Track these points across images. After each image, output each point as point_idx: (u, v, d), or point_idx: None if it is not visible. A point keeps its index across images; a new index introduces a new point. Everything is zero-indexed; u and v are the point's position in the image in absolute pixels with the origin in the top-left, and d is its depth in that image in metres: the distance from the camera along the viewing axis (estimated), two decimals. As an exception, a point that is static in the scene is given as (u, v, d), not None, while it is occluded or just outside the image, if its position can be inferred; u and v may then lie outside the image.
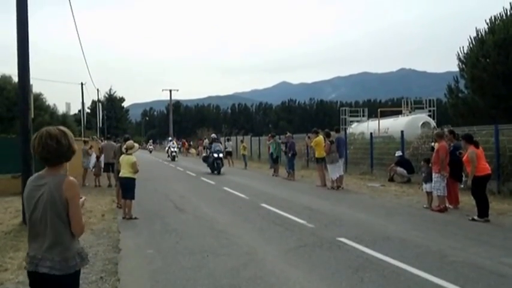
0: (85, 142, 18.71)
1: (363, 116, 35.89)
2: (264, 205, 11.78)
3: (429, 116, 28.24)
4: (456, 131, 14.53)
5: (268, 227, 9.03)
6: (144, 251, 7.24)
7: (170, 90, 71.55)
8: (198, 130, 64.62)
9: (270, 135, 26.61)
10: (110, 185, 16.77)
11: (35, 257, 2.88)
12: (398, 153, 17.45)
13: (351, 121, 34.73)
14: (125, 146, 10.66)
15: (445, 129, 15.49)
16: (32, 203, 2.90)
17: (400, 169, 16.81)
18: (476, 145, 9.75)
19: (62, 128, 3.01)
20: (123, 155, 10.52)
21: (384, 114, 31.67)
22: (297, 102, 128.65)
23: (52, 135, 2.89)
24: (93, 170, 18.09)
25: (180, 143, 57.35)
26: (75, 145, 3.03)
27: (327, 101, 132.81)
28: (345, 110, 37.30)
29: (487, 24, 25.76)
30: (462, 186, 11.38)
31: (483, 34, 25.67)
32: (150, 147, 69.14)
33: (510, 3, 24.91)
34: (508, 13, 24.80)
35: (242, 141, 31.82)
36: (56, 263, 2.84)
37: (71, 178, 2.95)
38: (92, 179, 17.93)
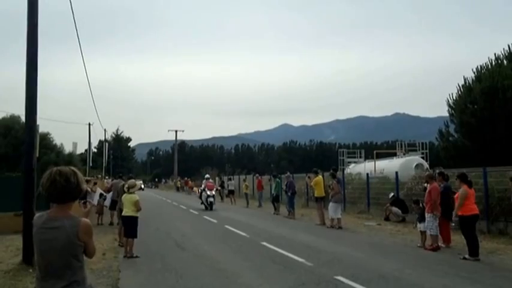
0: (88, 181, 18.63)
1: (360, 157, 35.82)
2: (264, 243, 11.59)
3: (422, 157, 28.19)
4: (447, 172, 14.52)
5: (267, 266, 8.87)
6: (144, 290, 7.07)
7: (176, 131, 72.08)
8: (202, 169, 64.50)
9: (256, 175, 30.09)
10: (111, 223, 16.55)
11: None
12: (391, 194, 17.38)
13: (349, 162, 34.63)
14: (126, 185, 10.58)
15: (437, 171, 15.48)
16: (45, 245, 2.86)
17: (395, 209, 16.66)
18: (470, 185, 9.72)
19: (73, 168, 3.01)
20: (125, 194, 10.41)
21: (380, 156, 31.66)
22: (298, 143, 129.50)
23: (62, 173, 2.88)
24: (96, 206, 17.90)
25: (183, 181, 57.18)
26: (84, 185, 3.01)
27: (326, 143, 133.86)
28: (343, 151, 37.29)
29: (474, 73, 26.26)
30: (453, 224, 11.26)
31: (470, 82, 26.12)
32: (208, 193, 25.27)
33: (495, 54, 25.49)
34: (493, 63, 25.32)
35: (244, 180, 31.68)
36: None
37: (86, 220, 2.95)
38: (95, 217, 17.72)
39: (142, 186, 67.98)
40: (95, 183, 19.06)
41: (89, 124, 43.33)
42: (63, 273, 2.84)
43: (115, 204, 16.45)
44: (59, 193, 2.86)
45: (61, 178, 2.86)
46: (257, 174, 32.49)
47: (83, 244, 2.88)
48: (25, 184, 9.22)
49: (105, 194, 18.12)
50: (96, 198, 18.22)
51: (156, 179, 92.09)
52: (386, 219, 16.77)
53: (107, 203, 17.86)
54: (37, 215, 3.02)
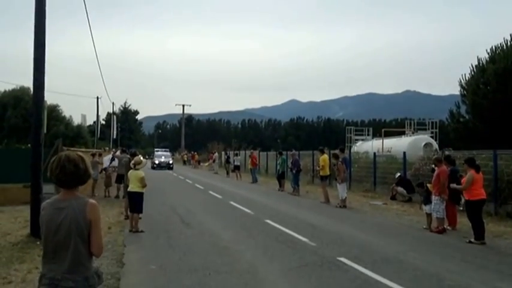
0: (93, 155, 18.79)
1: (368, 135, 35.67)
2: (268, 221, 11.62)
3: (431, 137, 27.99)
4: (456, 154, 14.41)
5: (271, 245, 8.90)
6: (147, 267, 7.13)
7: (183, 105, 71.96)
8: (209, 144, 64.58)
9: (251, 151, 30.22)
10: (117, 196, 16.68)
11: (54, 278, 2.85)
12: (398, 174, 17.32)
13: (356, 140, 34.54)
14: (133, 162, 10.61)
15: (446, 152, 15.33)
16: (53, 226, 2.89)
17: (400, 189, 16.59)
18: (477, 170, 9.62)
19: (79, 153, 3.08)
20: (131, 170, 10.47)
21: (388, 134, 31.46)
22: (305, 119, 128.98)
23: (71, 159, 2.93)
24: (108, 171, 18.02)
25: (190, 155, 57.30)
26: (91, 170, 3.07)
27: (334, 120, 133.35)
28: (351, 128, 37.17)
29: (488, 53, 25.70)
30: (461, 208, 11.21)
31: (484, 63, 25.60)
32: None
33: (510, 35, 24.83)
34: (508, 43, 24.73)
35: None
36: (79, 283, 2.85)
37: (93, 201, 3.01)
38: (102, 189, 17.89)
39: (170, 161, 44.63)
40: (100, 155, 19.20)
41: (97, 98, 43.45)
42: (69, 255, 2.86)
43: (121, 178, 16.57)
44: (68, 179, 2.91)
45: (70, 164, 2.91)
46: (252, 150, 32.15)
47: (89, 224, 2.90)
48: (33, 159, 9.35)
49: (113, 157, 18.42)
50: (106, 164, 18.53)
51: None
52: (393, 198, 16.74)
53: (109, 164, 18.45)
54: (45, 201, 3.06)
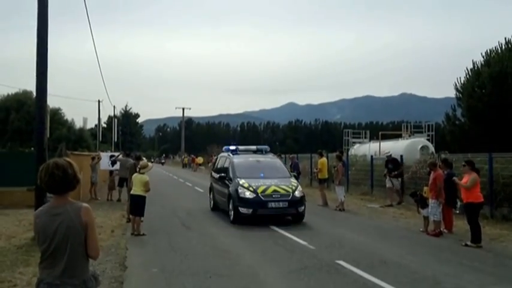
0: (93, 159, 18.75)
1: (365, 137, 35.71)
2: (267, 224, 11.62)
3: (428, 140, 28.04)
4: (452, 157, 14.42)
5: (270, 248, 8.92)
6: (150, 270, 7.16)
7: (183, 108, 71.87)
8: (208, 147, 64.51)
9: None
10: (119, 199, 16.66)
11: (52, 284, 2.88)
12: (388, 153, 17.31)
13: (354, 142, 34.59)
14: (139, 166, 10.62)
15: (442, 155, 15.34)
16: (50, 232, 2.91)
17: (396, 182, 16.39)
18: (477, 173, 9.69)
19: (67, 159, 3.09)
20: (136, 174, 10.48)
21: (385, 137, 31.52)
22: (303, 122, 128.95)
23: (59, 165, 2.94)
24: (114, 174, 17.99)
25: (190, 158, 57.19)
26: (80, 175, 3.08)
27: (332, 122, 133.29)
28: (348, 131, 37.17)
29: (483, 57, 25.80)
30: (458, 211, 11.24)
31: (479, 66, 25.68)
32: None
33: (505, 38, 24.95)
34: (503, 47, 24.82)
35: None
36: (77, 287, 2.88)
37: (86, 204, 3.04)
38: (105, 192, 17.83)
39: (297, 191, 11.82)
40: (99, 158, 19.21)
41: (98, 101, 43.52)
42: (67, 260, 2.89)
43: (122, 182, 16.55)
44: (58, 185, 2.93)
45: (58, 171, 2.92)
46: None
47: (85, 226, 2.93)
48: (37, 162, 9.31)
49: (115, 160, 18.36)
50: (103, 167, 18.47)
51: (164, 155, 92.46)
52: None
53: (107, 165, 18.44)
54: (39, 209, 3.09)
